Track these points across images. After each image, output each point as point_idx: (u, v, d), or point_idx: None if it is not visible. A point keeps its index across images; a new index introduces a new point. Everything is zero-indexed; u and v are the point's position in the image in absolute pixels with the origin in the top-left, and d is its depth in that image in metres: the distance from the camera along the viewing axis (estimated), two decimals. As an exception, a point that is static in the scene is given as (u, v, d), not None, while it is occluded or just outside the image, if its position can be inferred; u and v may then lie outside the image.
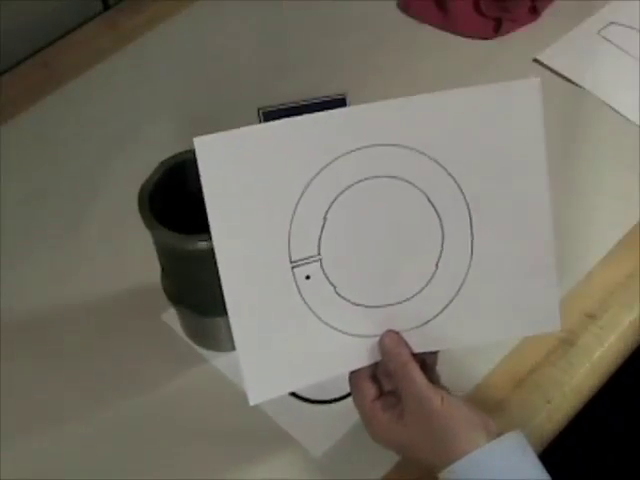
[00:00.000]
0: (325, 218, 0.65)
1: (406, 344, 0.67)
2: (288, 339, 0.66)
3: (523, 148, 0.67)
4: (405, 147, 0.66)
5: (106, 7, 1.18)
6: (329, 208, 0.65)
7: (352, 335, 0.67)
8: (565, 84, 1.06)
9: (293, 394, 0.81)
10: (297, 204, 0.65)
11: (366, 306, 0.67)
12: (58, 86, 1.08)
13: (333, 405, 0.80)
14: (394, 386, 0.67)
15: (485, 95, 0.66)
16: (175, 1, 1.17)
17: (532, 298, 0.69)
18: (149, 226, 0.71)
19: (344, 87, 1.00)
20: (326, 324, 0.67)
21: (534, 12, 1.14)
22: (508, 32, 1.13)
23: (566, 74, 1.07)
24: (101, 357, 0.84)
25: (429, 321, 0.68)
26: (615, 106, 1.03)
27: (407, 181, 0.66)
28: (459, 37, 1.13)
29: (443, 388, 0.67)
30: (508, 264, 0.68)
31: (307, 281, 0.66)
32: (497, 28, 1.13)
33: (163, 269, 0.80)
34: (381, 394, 0.68)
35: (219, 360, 0.84)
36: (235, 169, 0.64)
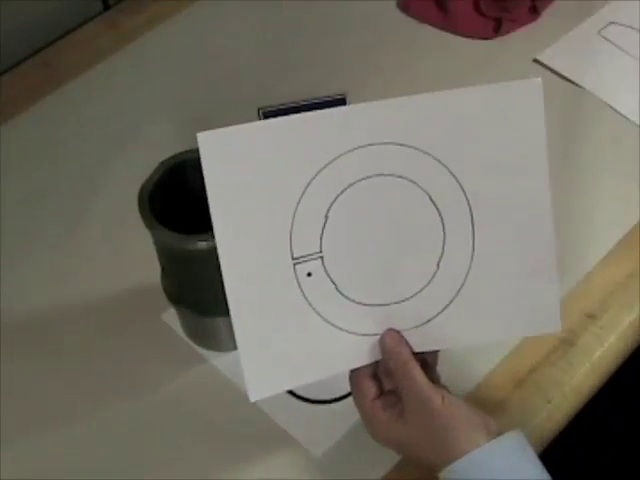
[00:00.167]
0: (327, 216, 0.65)
1: (406, 343, 0.67)
2: (289, 336, 0.66)
3: (524, 148, 0.67)
4: (407, 146, 0.66)
5: (106, 7, 1.18)
6: (331, 206, 0.65)
7: (353, 333, 0.67)
8: (565, 84, 1.06)
9: (293, 394, 0.81)
10: (299, 201, 0.65)
11: (367, 304, 0.67)
12: (58, 86, 1.08)
13: (333, 405, 0.80)
14: (394, 385, 0.67)
15: (486, 95, 0.66)
16: (175, 1, 1.17)
17: (533, 298, 0.69)
18: (149, 226, 0.71)
19: (344, 87, 1.00)
20: (327, 322, 0.67)
21: (534, 12, 1.14)
22: (508, 32, 1.13)
23: (566, 74, 1.07)
24: (101, 357, 0.84)
25: (429, 320, 0.68)
26: (615, 106, 1.03)
27: (409, 180, 0.66)
28: (459, 37, 1.13)
29: (443, 387, 0.67)
30: (509, 264, 0.68)
31: (308, 278, 0.66)
32: (497, 28, 1.13)
33: (163, 269, 0.80)
34: (381, 393, 0.68)
35: (219, 360, 0.84)
36: (238, 165, 0.64)
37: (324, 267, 0.66)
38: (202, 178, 0.76)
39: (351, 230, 0.66)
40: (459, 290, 0.68)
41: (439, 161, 0.66)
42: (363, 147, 0.65)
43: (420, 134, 0.65)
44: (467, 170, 0.66)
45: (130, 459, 0.78)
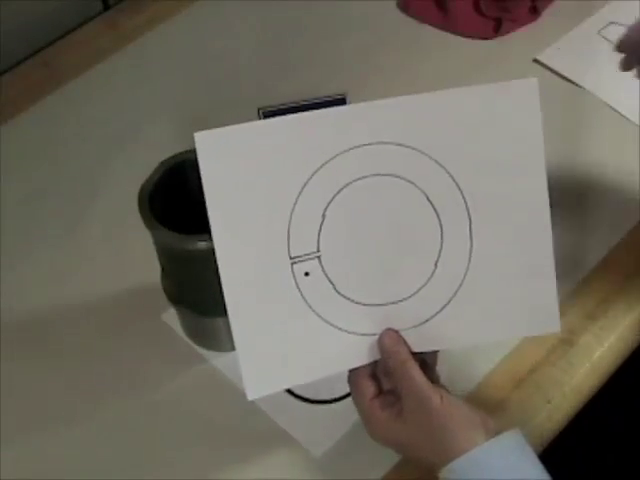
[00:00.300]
0: (324, 215, 0.65)
1: (405, 343, 0.67)
2: (287, 335, 0.66)
3: (521, 148, 0.67)
4: (404, 146, 0.66)
5: (106, 7, 1.18)
6: (328, 205, 0.65)
7: (351, 333, 0.67)
8: (565, 84, 1.06)
9: (293, 394, 0.81)
10: (296, 200, 0.65)
11: (365, 304, 0.67)
12: (58, 86, 1.08)
13: (333, 405, 0.80)
14: (393, 385, 0.67)
15: (483, 95, 0.66)
16: (175, 1, 1.17)
17: (531, 299, 0.68)
18: (149, 226, 0.71)
19: (344, 87, 1.00)
20: (325, 322, 0.67)
21: (534, 12, 1.14)
22: (508, 32, 1.13)
23: (566, 74, 1.07)
24: (101, 357, 0.84)
25: (428, 320, 0.68)
26: (615, 106, 1.03)
27: (406, 180, 0.66)
28: (459, 37, 1.13)
29: (442, 387, 0.67)
30: (507, 264, 0.68)
31: (306, 278, 0.66)
32: (497, 28, 1.13)
33: (163, 269, 0.80)
34: (380, 393, 0.68)
35: (219, 360, 0.84)
36: (235, 164, 0.64)
37: (322, 266, 0.66)
38: (201, 178, 0.76)
39: (349, 230, 0.66)
40: (457, 290, 0.68)
41: (436, 161, 0.66)
42: (360, 147, 0.65)
43: (417, 134, 0.66)
44: (464, 170, 0.66)
45: (130, 459, 0.78)
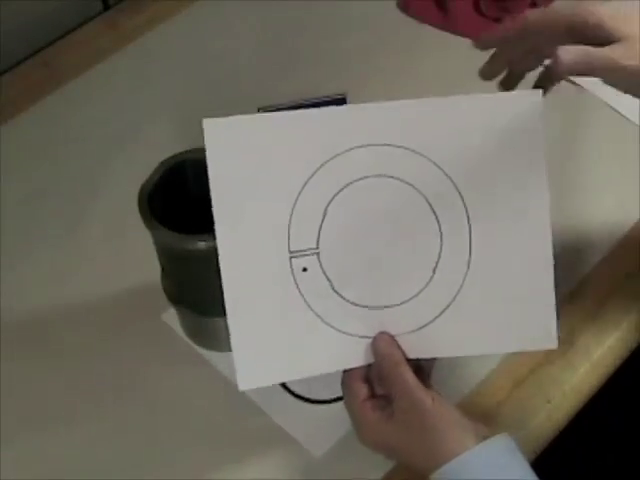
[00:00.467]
0: (325, 212, 0.65)
1: (399, 347, 0.67)
2: (282, 330, 0.66)
3: (523, 161, 0.66)
4: (409, 149, 0.66)
5: (106, 7, 1.18)
6: (330, 202, 0.65)
7: (346, 334, 0.67)
8: (565, 84, 1.05)
9: (293, 394, 0.81)
10: (299, 194, 0.65)
11: (361, 306, 0.67)
12: (58, 86, 1.08)
13: (333, 405, 0.80)
14: (386, 390, 0.67)
15: (487, 103, 0.66)
16: (175, 1, 1.17)
17: (529, 312, 0.68)
18: (149, 226, 0.71)
19: (344, 87, 1.00)
20: (321, 320, 0.66)
21: (534, 12, 1.14)
22: (508, 32, 1.13)
23: (566, 74, 1.07)
24: (101, 357, 0.84)
25: (423, 327, 0.68)
26: (615, 106, 1.03)
27: (409, 183, 0.66)
28: (459, 37, 1.13)
29: (435, 391, 0.67)
30: (506, 276, 0.67)
31: (304, 273, 0.66)
32: (497, 28, 1.13)
33: (163, 269, 0.80)
34: (372, 396, 0.68)
35: (219, 360, 0.84)
36: (241, 154, 0.64)
37: (320, 263, 0.66)
38: (201, 178, 0.76)
39: (348, 229, 0.66)
40: (454, 298, 0.67)
41: (439, 167, 0.66)
42: (365, 147, 0.65)
43: (422, 139, 0.66)
44: (466, 177, 0.66)
45: (130, 459, 0.78)
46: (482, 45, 0.68)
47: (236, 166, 0.64)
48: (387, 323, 0.67)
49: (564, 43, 0.65)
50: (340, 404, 0.79)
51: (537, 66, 0.74)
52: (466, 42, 1.13)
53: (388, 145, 0.66)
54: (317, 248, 0.66)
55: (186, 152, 0.75)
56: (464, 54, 1.10)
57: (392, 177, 0.66)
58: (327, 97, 0.98)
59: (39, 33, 1.12)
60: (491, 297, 0.68)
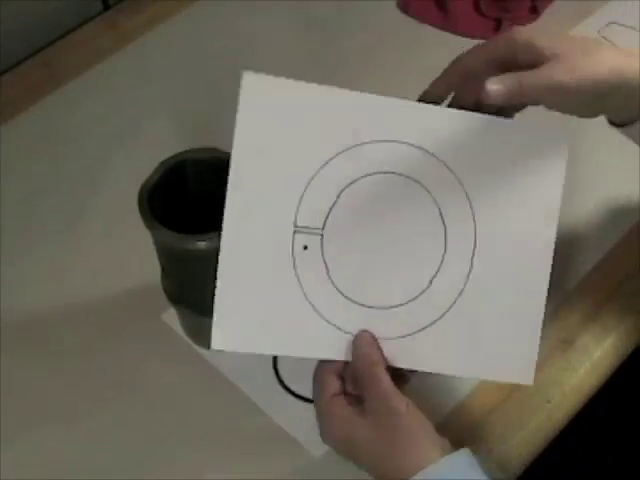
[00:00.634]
0: (339, 196, 0.65)
1: (379, 348, 0.66)
2: (269, 302, 0.65)
3: (539, 194, 0.67)
4: (437, 158, 0.66)
5: (106, 7, 1.18)
6: (345, 188, 0.65)
7: (331, 324, 0.66)
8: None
9: (294, 394, 0.81)
10: (318, 171, 0.64)
11: (352, 300, 0.66)
12: (58, 86, 1.08)
13: (333, 405, 0.80)
14: (359, 390, 0.66)
15: (515, 130, 0.66)
16: (175, 1, 1.17)
17: (513, 344, 0.68)
18: (149, 226, 0.71)
19: (344, 87, 1.00)
20: (310, 303, 0.66)
21: (534, 12, 1.14)
22: (508, 32, 1.13)
23: (566, 74, 1.06)
24: (101, 357, 0.84)
25: (407, 336, 0.67)
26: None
27: (426, 189, 0.66)
28: (459, 37, 1.13)
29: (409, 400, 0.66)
30: (498, 305, 0.67)
31: (304, 252, 0.65)
32: (497, 28, 1.13)
33: (163, 269, 0.80)
34: (344, 394, 0.67)
35: (219, 360, 0.84)
36: (273, 115, 0.64)
37: (321, 246, 0.65)
38: (201, 178, 0.76)
39: (357, 219, 0.66)
40: (443, 315, 0.67)
41: (459, 181, 0.66)
42: (393, 143, 0.65)
43: (450, 150, 0.66)
44: (481, 198, 0.66)
45: (130, 459, 0.78)
46: (430, 98, 0.68)
47: (265, 126, 0.63)
48: (373, 324, 0.67)
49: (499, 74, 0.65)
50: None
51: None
52: (466, 42, 1.14)
53: (418, 148, 0.66)
54: (322, 229, 0.65)
55: (186, 152, 0.75)
56: (464, 54, 1.11)
57: (413, 180, 0.66)
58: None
59: (39, 33, 1.12)
60: (479, 323, 0.67)
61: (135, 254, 0.89)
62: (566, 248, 0.88)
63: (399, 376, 0.67)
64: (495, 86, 0.63)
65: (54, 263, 0.92)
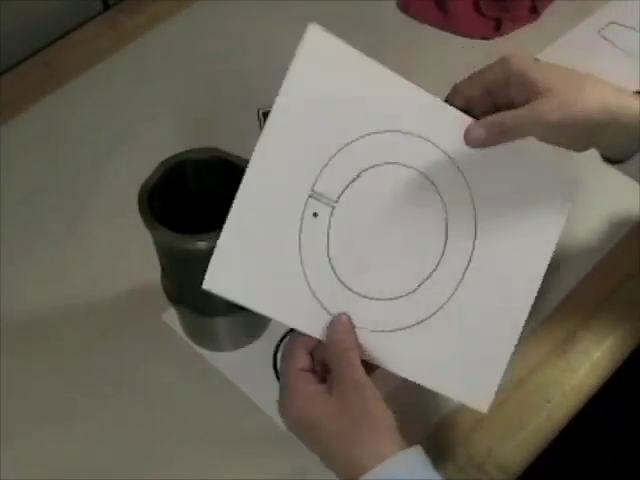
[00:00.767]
0: (359, 175, 0.65)
1: (355, 335, 0.66)
2: (267, 259, 0.65)
3: (539, 225, 0.68)
4: (455, 162, 0.66)
5: (106, 7, 1.18)
6: (367, 169, 0.65)
7: (316, 299, 0.66)
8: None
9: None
10: (349, 144, 0.65)
11: (341, 281, 0.66)
12: (58, 86, 1.08)
13: (333, 405, 0.80)
14: (326, 373, 0.65)
15: (533, 160, 0.68)
16: (175, 1, 1.17)
17: (480, 369, 0.68)
18: (149, 226, 0.71)
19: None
20: (303, 271, 0.66)
21: (534, 12, 1.14)
22: (508, 32, 1.13)
23: (566, 74, 1.07)
24: (101, 357, 0.84)
25: (385, 332, 0.67)
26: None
27: (439, 195, 0.66)
28: (459, 37, 1.13)
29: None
30: (474, 326, 0.68)
31: (312, 219, 0.65)
32: (497, 28, 1.13)
33: (163, 269, 0.80)
34: (311, 372, 0.66)
35: (219, 360, 0.84)
36: (325, 74, 0.64)
37: (330, 218, 0.65)
38: (201, 178, 0.76)
39: (368, 204, 0.66)
40: (423, 321, 0.67)
41: (472, 199, 0.67)
42: (425, 139, 0.66)
43: (474, 166, 0.67)
44: (488, 214, 0.67)
45: (130, 459, 0.78)
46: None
47: (315, 81, 0.64)
48: (356, 311, 0.66)
49: (488, 105, 0.66)
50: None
51: None
52: (466, 42, 1.14)
53: (444, 152, 0.66)
54: (336, 202, 0.65)
55: (186, 152, 0.75)
56: (464, 54, 1.11)
57: (430, 181, 0.66)
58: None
59: (39, 33, 1.13)
60: (453, 339, 0.68)
61: (135, 254, 0.89)
62: (566, 248, 0.88)
63: (369, 366, 0.67)
64: (475, 134, 0.65)
65: (54, 263, 0.92)
